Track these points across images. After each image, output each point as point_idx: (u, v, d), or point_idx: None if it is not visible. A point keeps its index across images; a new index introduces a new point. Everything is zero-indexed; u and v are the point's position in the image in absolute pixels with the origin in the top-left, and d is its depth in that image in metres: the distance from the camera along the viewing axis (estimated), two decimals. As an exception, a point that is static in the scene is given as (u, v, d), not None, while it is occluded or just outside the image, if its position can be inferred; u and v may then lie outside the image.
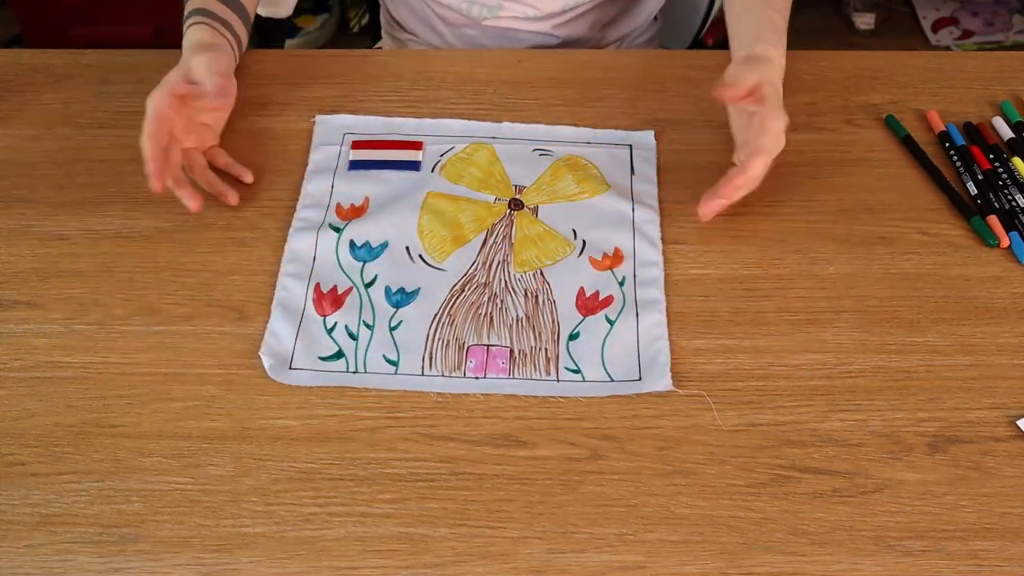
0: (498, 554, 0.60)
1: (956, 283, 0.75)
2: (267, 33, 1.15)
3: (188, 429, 0.66)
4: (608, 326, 0.72)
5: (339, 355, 0.70)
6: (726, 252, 0.77)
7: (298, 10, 1.11)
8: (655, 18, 1.12)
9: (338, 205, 0.79)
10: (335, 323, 0.72)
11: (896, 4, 2.24)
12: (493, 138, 0.85)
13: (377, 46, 1.21)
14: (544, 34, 1.02)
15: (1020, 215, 0.79)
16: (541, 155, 0.83)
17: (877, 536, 0.61)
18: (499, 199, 0.80)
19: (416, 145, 0.83)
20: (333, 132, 0.85)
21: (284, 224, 0.78)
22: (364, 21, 2.11)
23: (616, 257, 0.76)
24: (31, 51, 0.95)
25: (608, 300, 0.73)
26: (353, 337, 0.71)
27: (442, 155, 0.83)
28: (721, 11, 0.89)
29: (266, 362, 0.68)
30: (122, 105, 0.89)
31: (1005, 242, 0.78)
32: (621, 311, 0.73)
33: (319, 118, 0.86)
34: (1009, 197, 0.81)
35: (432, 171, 0.82)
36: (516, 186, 0.81)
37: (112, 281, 0.75)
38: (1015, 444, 0.65)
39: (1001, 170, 0.83)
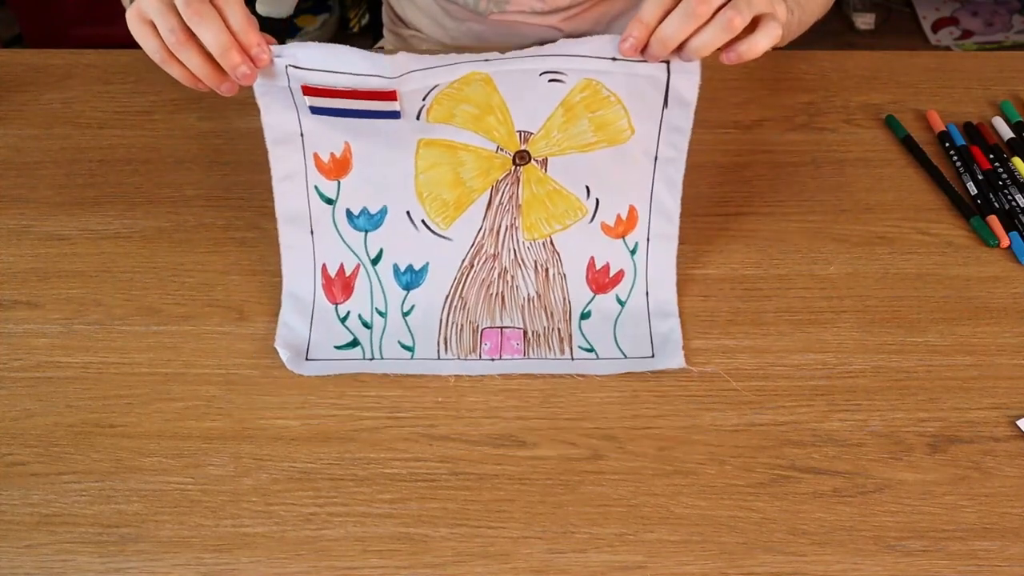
0: (498, 554, 0.60)
1: (956, 283, 0.75)
2: (267, 33, 1.15)
3: (188, 429, 0.66)
4: (619, 307, 0.72)
5: (355, 343, 0.70)
6: (726, 252, 0.77)
7: (298, 10, 1.11)
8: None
9: (316, 157, 0.68)
10: (348, 312, 0.72)
11: (896, 4, 2.24)
12: (487, 60, 0.64)
13: (378, 45, 1.21)
14: (550, 28, 1.02)
15: (1020, 215, 0.79)
16: (551, 81, 0.65)
17: (877, 536, 0.61)
18: (502, 149, 0.68)
19: (388, 95, 0.64)
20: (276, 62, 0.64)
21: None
22: (364, 21, 2.12)
23: (630, 220, 0.73)
24: (31, 51, 0.95)
25: (619, 276, 0.73)
26: (367, 326, 0.71)
27: (425, 97, 0.64)
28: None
29: (283, 354, 0.68)
30: (122, 105, 0.89)
31: (1005, 242, 0.77)
32: (631, 289, 0.73)
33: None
34: (1009, 197, 0.81)
35: (418, 118, 0.66)
36: (521, 132, 0.67)
37: (112, 281, 0.75)
38: (1015, 444, 0.65)
39: (1001, 170, 0.83)
